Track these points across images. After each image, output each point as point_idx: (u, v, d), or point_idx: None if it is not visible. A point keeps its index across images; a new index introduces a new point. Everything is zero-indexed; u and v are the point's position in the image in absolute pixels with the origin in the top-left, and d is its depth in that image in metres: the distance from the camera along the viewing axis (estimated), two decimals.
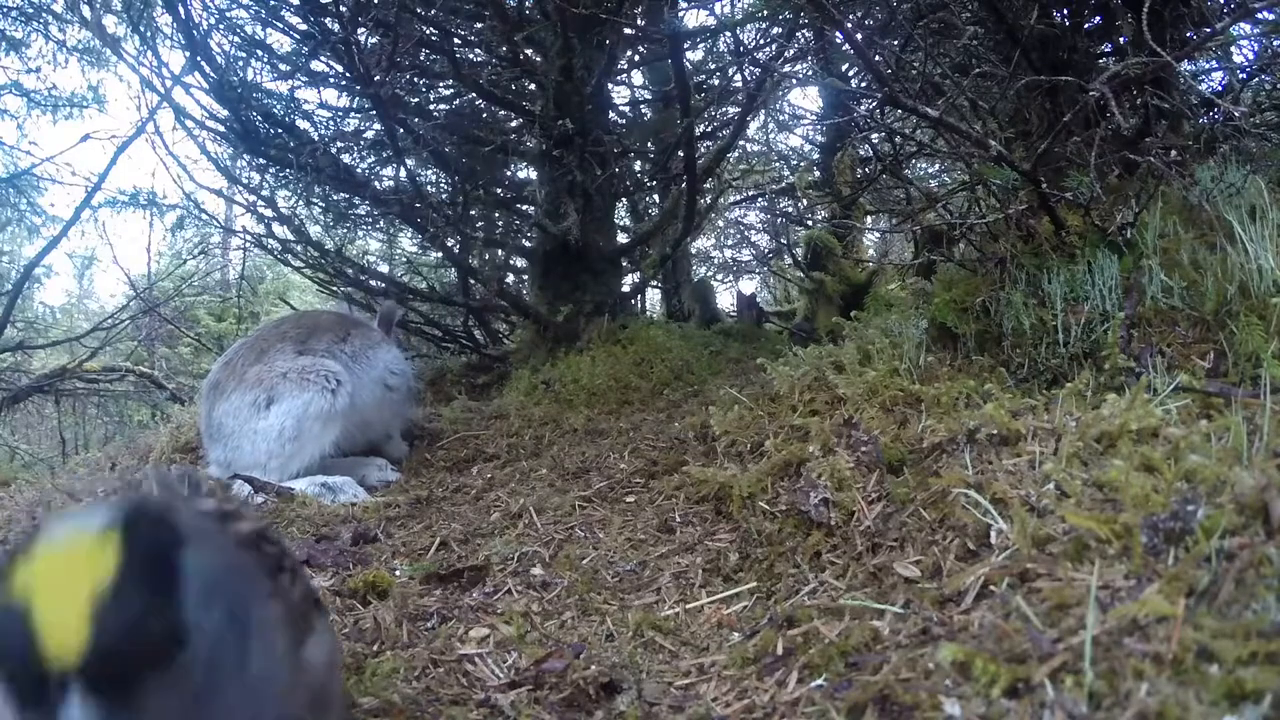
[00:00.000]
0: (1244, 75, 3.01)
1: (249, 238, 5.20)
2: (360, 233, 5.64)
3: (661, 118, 4.95)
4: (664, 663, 1.29)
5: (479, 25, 4.51)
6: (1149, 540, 1.00)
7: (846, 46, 2.95)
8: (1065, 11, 2.69)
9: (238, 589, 0.56)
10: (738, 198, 7.48)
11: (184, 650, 0.49)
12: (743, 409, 2.07)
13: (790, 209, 7.47)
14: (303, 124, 4.17)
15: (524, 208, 4.84)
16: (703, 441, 2.18)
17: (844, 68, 4.47)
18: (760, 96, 4.08)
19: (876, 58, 2.15)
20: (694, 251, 7.70)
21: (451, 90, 4.79)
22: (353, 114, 4.55)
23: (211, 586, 0.52)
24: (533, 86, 4.39)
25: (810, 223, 7.02)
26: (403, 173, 4.07)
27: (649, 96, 5.66)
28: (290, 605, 0.62)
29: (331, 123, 4.46)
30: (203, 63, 3.49)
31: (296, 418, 2.39)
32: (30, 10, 5.65)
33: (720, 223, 7.78)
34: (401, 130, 3.71)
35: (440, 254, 5.34)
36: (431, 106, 4.79)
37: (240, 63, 4.03)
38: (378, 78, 3.13)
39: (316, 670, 0.62)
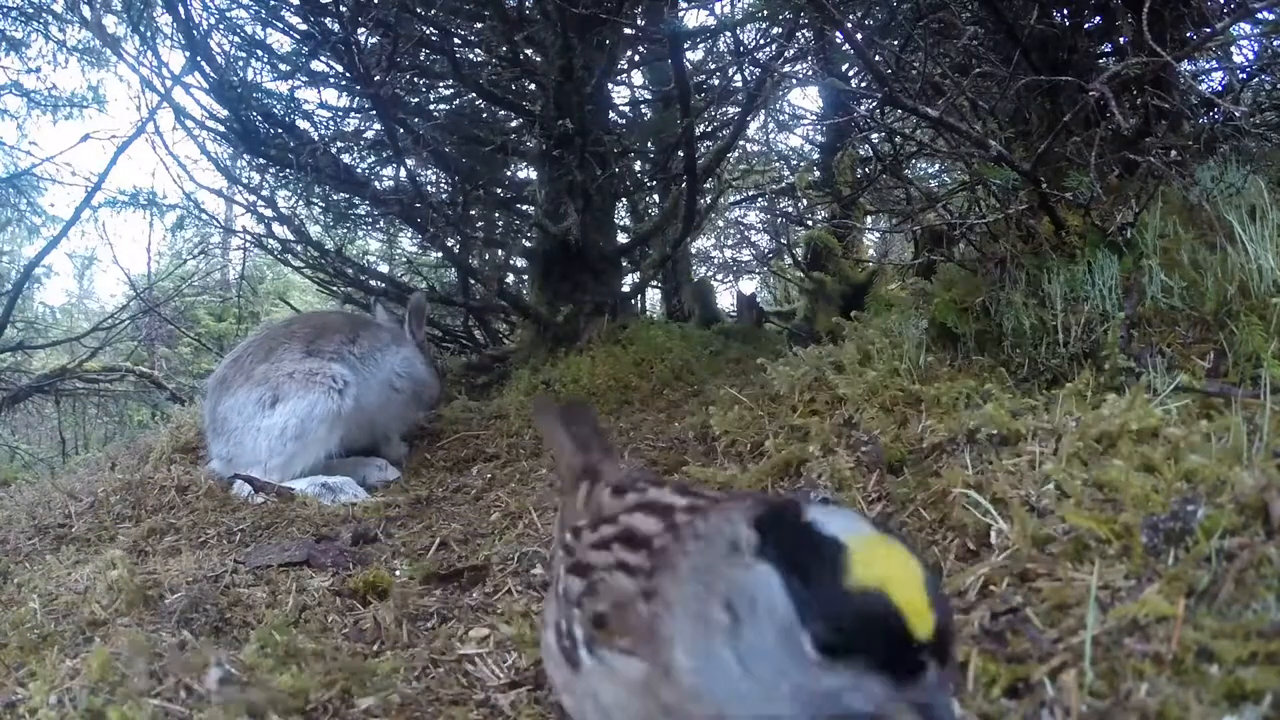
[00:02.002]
0: (1244, 75, 3.01)
1: (249, 238, 5.21)
2: (360, 233, 5.64)
3: (661, 118, 4.94)
4: None
5: (479, 25, 4.51)
6: (1149, 540, 1.00)
7: (846, 46, 2.95)
8: (1065, 11, 2.69)
9: None
10: (738, 198, 7.47)
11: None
12: (743, 409, 2.07)
13: (790, 209, 7.45)
14: (303, 124, 4.17)
15: (524, 208, 4.84)
16: (703, 441, 2.18)
17: (844, 68, 4.46)
18: (760, 96, 4.08)
19: (876, 58, 2.15)
20: (694, 251, 7.69)
21: (451, 90, 4.79)
22: (353, 114, 4.55)
23: None
24: (533, 86, 4.39)
25: (810, 223, 7.01)
26: (403, 173, 4.07)
27: (649, 96, 5.66)
28: None
29: (331, 123, 4.46)
30: (203, 63, 3.49)
31: (301, 418, 2.40)
32: (30, 10, 5.65)
33: (720, 223, 7.77)
34: (401, 130, 3.71)
35: (440, 254, 5.34)
36: (431, 106, 4.78)
37: (240, 63, 4.02)
38: (378, 78, 3.13)
39: None
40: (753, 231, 8.37)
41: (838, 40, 3.47)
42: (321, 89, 4.40)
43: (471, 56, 4.68)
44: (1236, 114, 2.34)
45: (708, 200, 5.13)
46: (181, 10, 3.25)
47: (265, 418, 2.41)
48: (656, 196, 5.82)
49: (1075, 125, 2.14)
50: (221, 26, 3.98)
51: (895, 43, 3.08)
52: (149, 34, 3.77)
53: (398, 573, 1.69)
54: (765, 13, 3.81)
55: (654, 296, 7.43)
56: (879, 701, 0.59)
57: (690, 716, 0.67)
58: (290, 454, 2.38)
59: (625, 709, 0.74)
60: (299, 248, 4.60)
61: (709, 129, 5.22)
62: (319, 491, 2.32)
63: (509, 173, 5.11)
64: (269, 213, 4.42)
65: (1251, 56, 3.03)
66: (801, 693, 0.61)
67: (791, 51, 4.27)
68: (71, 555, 1.84)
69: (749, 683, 0.63)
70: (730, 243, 8.62)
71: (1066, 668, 0.87)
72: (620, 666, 0.74)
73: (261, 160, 4.05)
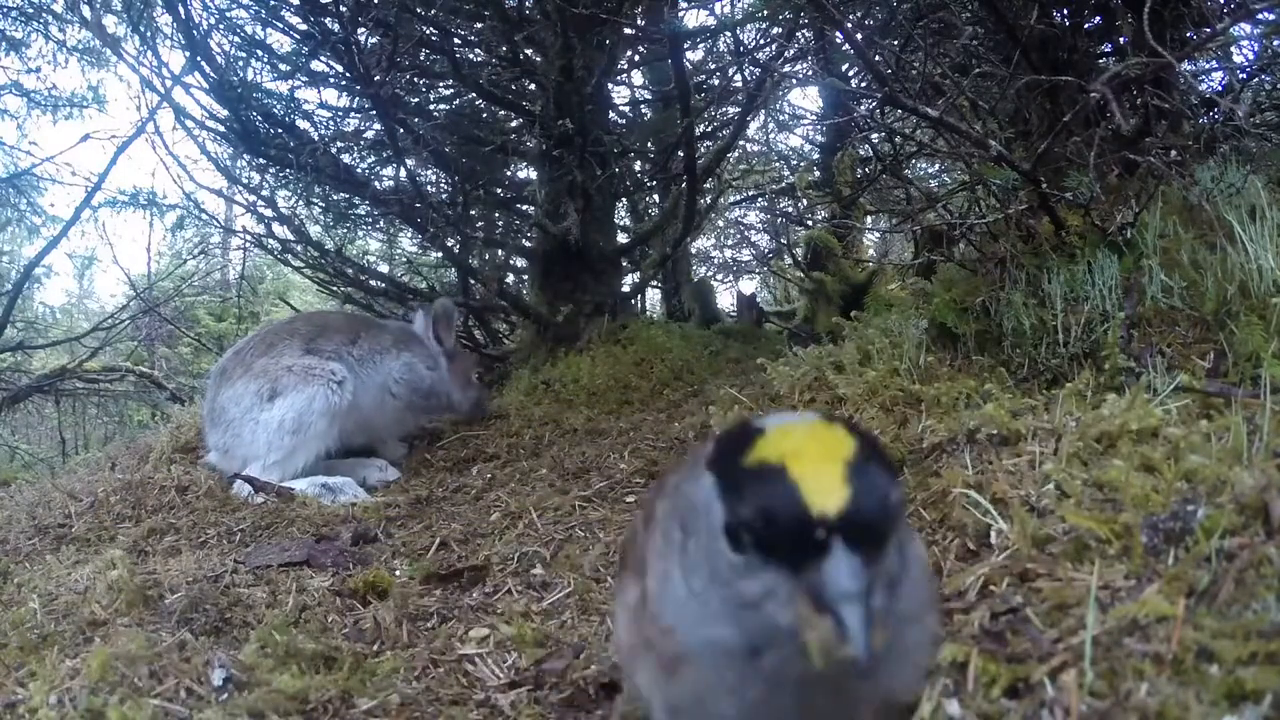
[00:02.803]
0: (1244, 75, 3.01)
1: (249, 238, 5.21)
2: (360, 233, 5.64)
3: (661, 118, 4.94)
4: None
5: (479, 25, 4.51)
6: (1149, 540, 1.00)
7: (846, 46, 2.95)
8: (1065, 11, 2.70)
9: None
10: (738, 198, 7.47)
11: (899, 526, 0.53)
12: (743, 409, 2.07)
13: (790, 209, 7.46)
14: (303, 124, 4.16)
15: (524, 208, 4.84)
16: (703, 441, 2.18)
17: (844, 68, 4.46)
18: (760, 96, 4.08)
19: (876, 58, 2.15)
20: (694, 251, 7.69)
21: (451, 90, 4.79)
22: (353, 114, 4.55)
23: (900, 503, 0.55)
24: (533, 86, 4.39)
25: (810, 223, 7.02)
26: (403, 173, 4.07)
27: (649, 96, 5.66)
28: None
29: (331, 123, 4.46)
30: (203, 63, 3.49)
31: (299, 411, 2.40)
32: (30, 10, 5.65)
33: (720, 223, 7.77)
34: (401, 130, 3.71)
35: (440, 254, 5.34)
36: (431, 106, 4.78)
37: (240, 63, 4.02)
38: (378, 78, 3.13)
39: (923, 561, 0.67)
40: (753, 231, 8.38)
41: (838, 40, 3.48)
42: (321, 89, 4.40)
43: (471, 56, 4.67)
44: (1239, 113, 2.34)
45: (708, 200, 5.13)
46: (181, 10, 3.25)
47: (264, 410, 2.41)
48: (656, 196, 5.82)
49: (1075, 125, 2.14)
50: (221, 26, 3.98)
51: (895, 43, 3.08)
52: (149, 34, 3.77)
53: (398, 573, 1.69)
54: (765, 13, 3.81)
55: (654, 296, 7.43)
56: (786, 599, 0.51)
57: (661, 649, 0.63)
58: (289, 448, 2.39)
59: (627, 640, 0.69)
60: (299, 248, 4.60)
61: (709, 129, 5.22)
62: (319, 492, 2.32)
63: (509, 173, 5.11)
64: (269, 213, 4.42)
65: (1251, 56, 3.03)
66: (730, 606, 0.55)
67: (791, 51, 4.27)
68: (71, 555, 1.84)
69: (692, 602, 0.58)
70: (730, 243, 8.63)
71: (1066, 668, 0.87)
72: (624, 593, 0.71)
73: (261, 160, 4.05)
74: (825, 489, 0.49)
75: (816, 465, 0.50)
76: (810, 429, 0.54)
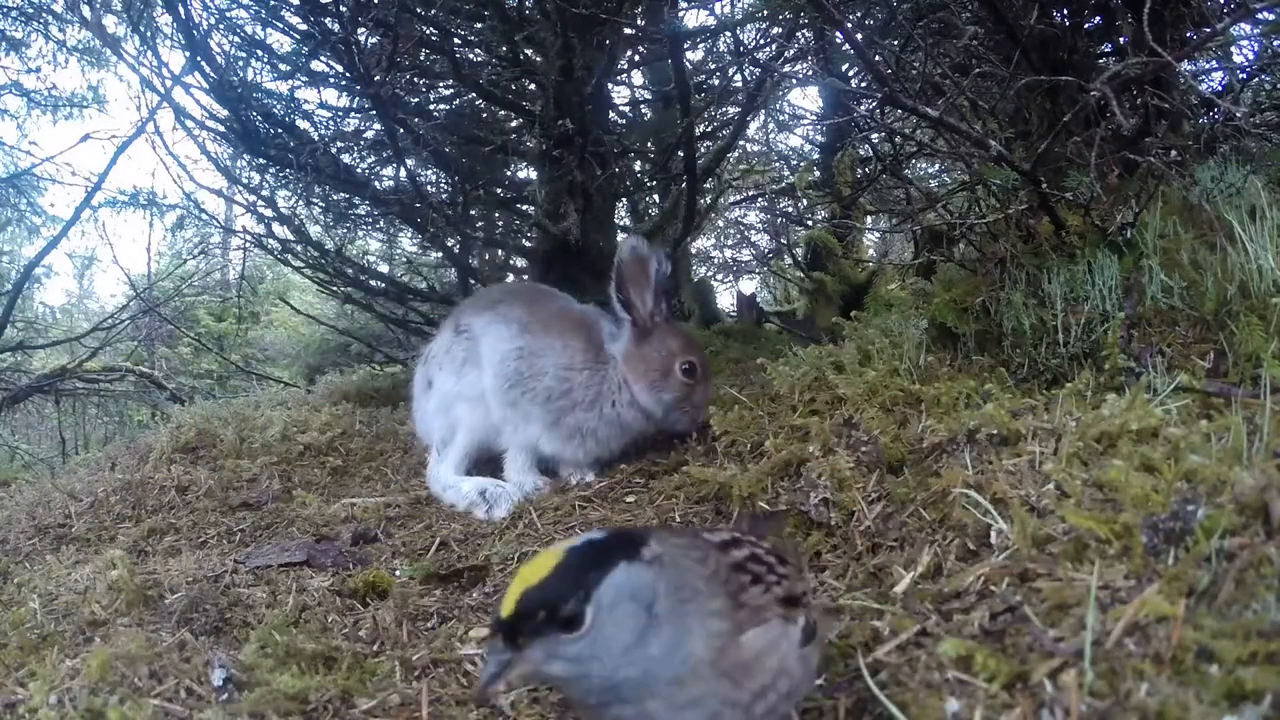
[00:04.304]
0: (1244, 75, 3.01)
1: (249, 238, 5.21)
2: (360, 233, 5.64)
3: (661, 118, 4.94)
4: None
5: (479, 25, 4.51)
6: (1149, 540, 1.00)
7: (846, 46, 2.95)
8: (1065, 11, 2.69)
9: (675, 595, 0.79)
10: (738, 198, 7.47)
11: (573, 630, 0.75)
12: (743, 409, 2.07)
13: (790, 209, 7.45)
14: (303, 124, 4.17)
15: (524, 208, 4.84)
16: (703, 441, 2.18)
17: (844, 68, 4.46)
18: (760, 96, 4.09)
19: (876, 58, 2.15)
20: (694, 251, 7.69)
21: (451, 90, 4.79)
22: (353, 114, 4.55)
23: (629, 595, 0.77)
24: (533, 86, 4.39)
25: (810, 223, 7.02)
26: (403, 173, 4.07)
27: (649, 96, 5.66)
28: (747, 604, 0.84)
29: (331, 123, 4.46)
30: (203, 63, 3.49)
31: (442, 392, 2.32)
32: (30, 10, 5.65)
33: (720, 223, 7.77)
34: (401, 130, 3.71)
35: (440, 254, 5.34)
36: (431, 106, 4.79)
37: (240, 63, 4.03)
38: (378, 78, 3.13)
39: (747, 652, 0.82)
40: (753, 231, 8.37)
41: (838, 40, 3.48)
42: (321, 89, 4.40)
43: (471, 56, 4.68)
44: (1237, 114, 2.34)
45: (708, 200, 5.13)
46: (181, 10, 3.25)
47: (425, 399, 2.39)
48: (656, 196, 5.82)
49: (1075, 125, 2.13)
50: (221, 26, 3.98)
51: (895, 43, 3.08)
52: (149, 34, 3.78)
53: (398, 573, 1.69)
54: (765, 13, 3.81)
55: None
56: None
57: None
58: (442, 429, 2.34)
59: None
60: (299, 248, 4.60)
61: (709, 129, 5.22)
62: (475, 500, 2.11)
63: (509, 173, 5.12)
64: (269, 213, 4.42)
65: (1251, 56, 3.03)
66: None
67: (791, 51, 4.27)
68: (71, 555, 1.84)
69: None
70: (730, 243, 8.62)
71: (1066, 668, 0.87)
72: None
73: (261, 160, 4.05)
74: (509, 602, 0.76)
75: (519, 586, 0.76)
76: (552, 557, 0.78)
